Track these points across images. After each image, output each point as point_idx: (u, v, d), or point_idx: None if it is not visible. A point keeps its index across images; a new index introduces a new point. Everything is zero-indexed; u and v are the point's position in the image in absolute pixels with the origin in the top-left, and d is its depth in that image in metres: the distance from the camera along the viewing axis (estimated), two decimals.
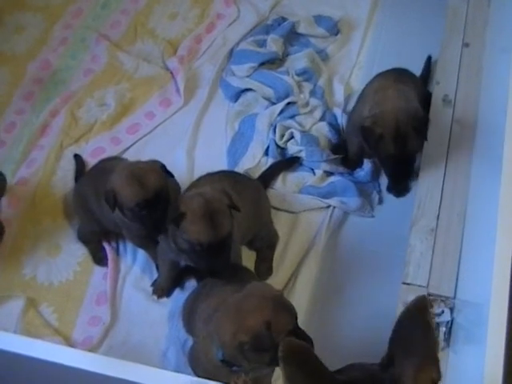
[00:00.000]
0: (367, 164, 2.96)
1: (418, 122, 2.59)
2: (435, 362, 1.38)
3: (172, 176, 2.52)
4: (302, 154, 2.97)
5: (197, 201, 2.26)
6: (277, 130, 3.04)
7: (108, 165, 2.69)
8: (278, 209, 2.88)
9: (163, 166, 2.47)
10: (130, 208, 2.40)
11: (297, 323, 1.97)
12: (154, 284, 2.70)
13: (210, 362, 2.05)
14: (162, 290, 2.68)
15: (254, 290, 2.04)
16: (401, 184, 2.83)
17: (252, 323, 1.91)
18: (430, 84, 3.08)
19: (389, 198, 2.93)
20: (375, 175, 2.96)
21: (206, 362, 2.09)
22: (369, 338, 2.33)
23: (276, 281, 2.65)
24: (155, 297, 2.69)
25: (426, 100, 2.85)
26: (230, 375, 1.92)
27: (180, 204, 2.27)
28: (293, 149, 3.00)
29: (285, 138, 3.03)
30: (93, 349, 2.52)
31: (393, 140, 2.56)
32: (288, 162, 3.00)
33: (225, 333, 1.95)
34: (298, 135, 3.00)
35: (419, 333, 1.40)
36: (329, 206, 2.88)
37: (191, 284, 2.68)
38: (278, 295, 2.00)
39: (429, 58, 3.15)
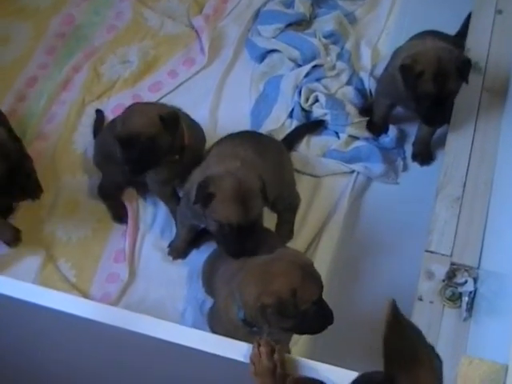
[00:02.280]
0: (392, 130, 2.92)
1: (461, 62, 2.53)
2: (434, 371, 1.31)
3: (175, 130, 2.43)
4: (327, 118, 2.94)
5: (228, 181, 2.20)
6: (302, 93, 3.00)
7: None
8: (301, 172, 2.85)
9: (169, 117, 2.39)
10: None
11: (321, 294, 1.94)
12: (170, 245, 2.69)
13: (231, 321, 2.03)
14: (177, 251, 2.67)
15: (284, 254, 2.01)
16: (434, 126, 2.73)
17: (278, 288, 1.88)
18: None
19: (414, 165, 2.90)
20: (400, 142, 2.93)
21: (226, 321, 2.07)
22: None
23: (297, 244, 2.63)
24: (171, 258, 2.68)
25: None
26: (250, 336, 1.89)
27: (210, 183, 2.21)
28: (318, 112, 2.96)
29: (310, 101, 2.99)
30: (110, 305, 2.51)
31: (433, 78, 2.49)
32: (312, 125, 2.97)
33: (248, 293, 1.93)
34: (323, 98, 2.96)
35: (409, 342, 1.32)
36: (352, 172, 2.85)
37: (209, 245, 2.65)
38: (309, 264, 1.97)
39: (469, 15, 3.04)
